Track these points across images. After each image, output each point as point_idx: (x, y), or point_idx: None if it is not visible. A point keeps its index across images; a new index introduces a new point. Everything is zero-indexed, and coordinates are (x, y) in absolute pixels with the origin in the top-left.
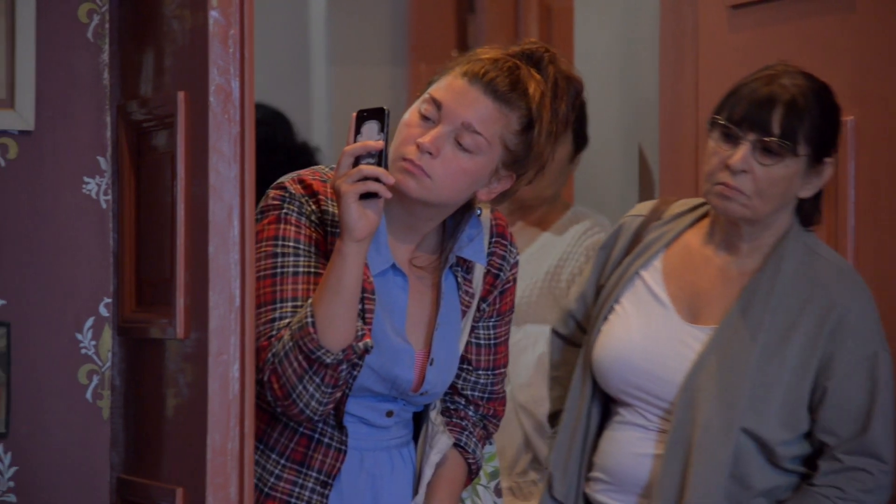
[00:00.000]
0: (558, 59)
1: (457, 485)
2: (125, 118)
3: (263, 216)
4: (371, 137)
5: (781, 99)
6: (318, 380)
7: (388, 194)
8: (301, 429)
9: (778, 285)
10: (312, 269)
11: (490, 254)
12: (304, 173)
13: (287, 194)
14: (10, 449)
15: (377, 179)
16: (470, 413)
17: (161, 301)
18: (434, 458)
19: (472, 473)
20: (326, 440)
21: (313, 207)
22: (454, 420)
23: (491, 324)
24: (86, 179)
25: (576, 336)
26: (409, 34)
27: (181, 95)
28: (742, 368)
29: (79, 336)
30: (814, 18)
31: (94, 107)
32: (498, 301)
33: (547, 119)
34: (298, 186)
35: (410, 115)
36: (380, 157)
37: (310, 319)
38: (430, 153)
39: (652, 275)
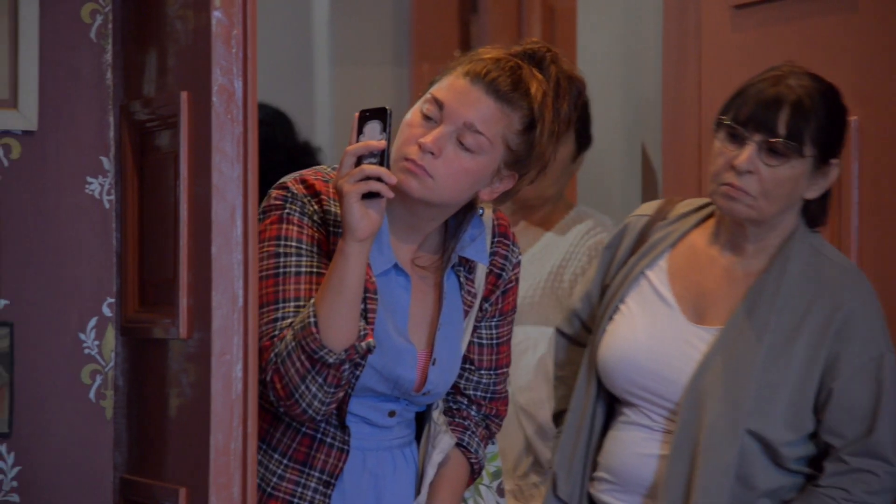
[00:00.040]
0: (560, 58)
1: (459, 485)
2: (128, 118)
3: (266, 216)
4: (373, 137)
5: (788, 100)
6: (320, 380)
7: (391, 194)
8: (304, 429)
9: (784, 286)
10: (315, 269)
11: (492, 253)
12: (307, 173)
13: (289, 194)
14: (14, 449)
15: (379, 179)
16: (472, 413)
17: (164, 301)
18: (436, 457)
19: (474, 473)
20: (329, 440)
21: (315, 207)
22: (457, 420)
23: (493, 323)
24: (89, 179)
25: (581, 335)
26: (412, 35)
27: (184, 95)
28: (748, 369)
29: (82, 336)
30: (816, 18)
31: (97, 107)
32: (500, 301)
33: (549, 119)
34: (301, 186)
35: (412, 115)
36: (382, 157)
37: (312, 319)
38: (432, 153)
39: (657, 275)
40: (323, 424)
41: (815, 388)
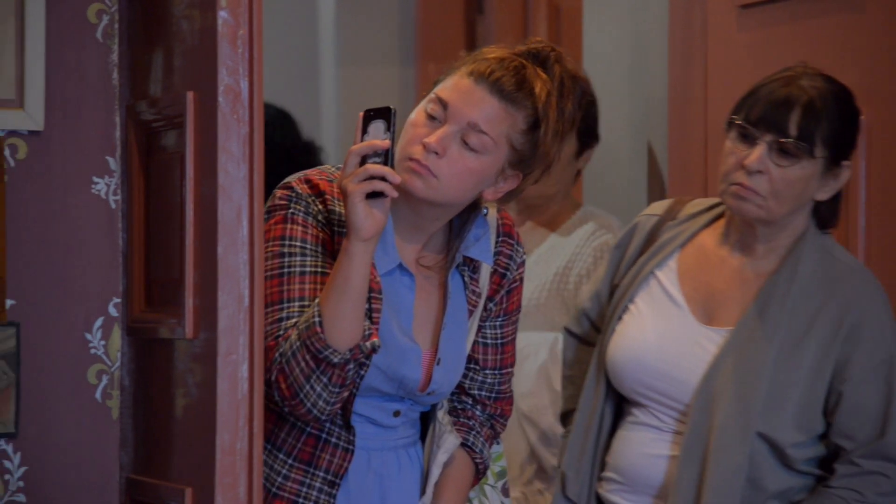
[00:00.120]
0: (564, 58)
1: (464, 484)
2: (134, 118)
3: (270, 216)
4: (377, 137)
5: (799, 100)
6: (325, 379)
7: (395, 193)
8: (308, 428)
9: (794, 288)
10: (319, 269)
11: (497, 253)
12: (311, 173)
13: (294, 194)
14: (20, 449)
15: (383, 179)
16: (477, 413)
17: (170, 301)
18: (441, 457)
19: (479, 473)
20: (334, 440)
21: (320, 207)
22: (461, 420)
23: (498, 323)
24: (95, 179)
25: (590, 335)
26: (418, 35)
27: (190, 95)
28: (758, 371)
29: (88, 336)
30: (823, 18)
31: (103, 107)
32: (505, 300)
33: (553, 118)
34: (305, 186)
35: (416, 114)
36: (386, 157)
37: (317, 319)
38: (437, 153)
39: (667, 275)
40: (328, 424)
41: (825, 390)
